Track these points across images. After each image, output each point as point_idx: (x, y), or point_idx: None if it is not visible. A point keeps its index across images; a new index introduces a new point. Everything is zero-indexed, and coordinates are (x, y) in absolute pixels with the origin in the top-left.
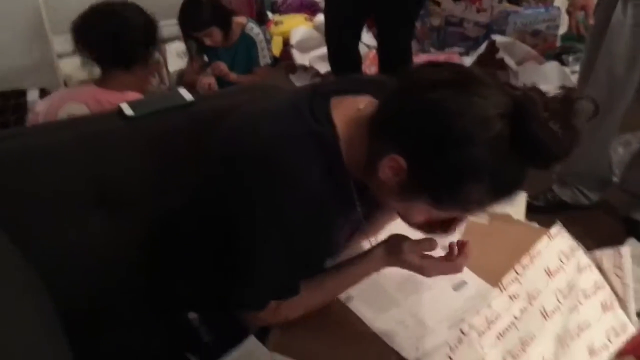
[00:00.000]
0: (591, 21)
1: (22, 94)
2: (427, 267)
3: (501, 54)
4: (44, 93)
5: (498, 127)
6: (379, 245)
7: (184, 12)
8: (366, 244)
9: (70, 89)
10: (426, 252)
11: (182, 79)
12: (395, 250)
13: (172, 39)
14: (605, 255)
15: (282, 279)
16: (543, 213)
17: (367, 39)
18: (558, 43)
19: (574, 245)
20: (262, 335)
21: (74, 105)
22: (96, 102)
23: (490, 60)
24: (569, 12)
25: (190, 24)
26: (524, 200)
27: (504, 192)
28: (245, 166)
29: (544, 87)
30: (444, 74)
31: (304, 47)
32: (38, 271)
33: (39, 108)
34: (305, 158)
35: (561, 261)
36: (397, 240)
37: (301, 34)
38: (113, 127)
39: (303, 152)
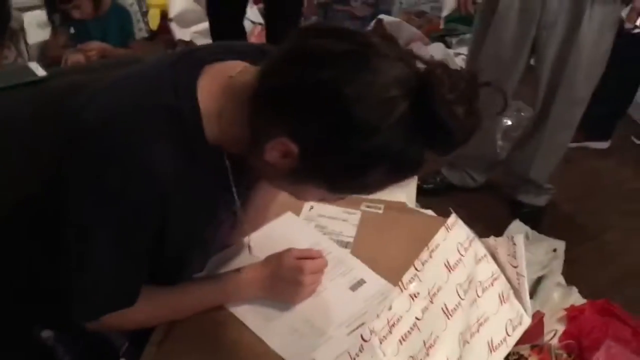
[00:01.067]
0: None
1: None
2: (306, 265)
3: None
4: None
5: (401, 109)
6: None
7: None
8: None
9: None
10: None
11: (45, 53)
12: (272, 257)
13: (32, 7)
14: (500, 243)
15: (116, 286)
16: (432, 196)
17: (253, 15)
18: (442, 25)
19: (471, 235)
20: (135, 353)
21: None
22: None
23: None
24: None
25: None
26: (414, 184)
27: (404, 173)
28: (76, 148)
29: None
30: (340, 45)
31: (184, 21)
32: None
33: None
34: (149, 136)
35: (460, 253)
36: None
37: (180, 6)
38: None
39: (147, 129)
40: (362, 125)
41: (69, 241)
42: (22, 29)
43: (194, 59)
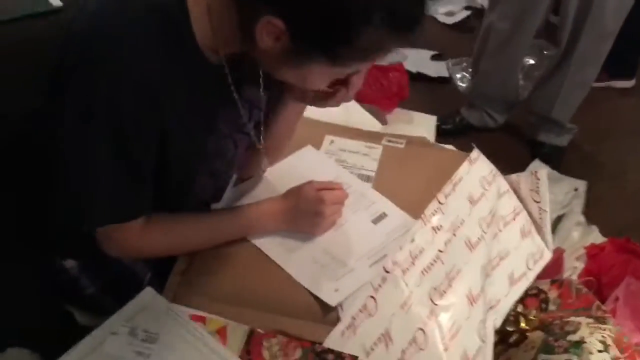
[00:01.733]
0: None
1: None
2: (326, 196)
3: None
4: None
5: None
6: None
7: None
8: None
9: None
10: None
11: None
12: (292, 189)
13: None
14: (523, 179)
15: (119, 195)
16: (451, 136)
17: None
18: None
19: (494, 170)
20: (158, 283)
21: None
22: None
23: None
24: None
25: None
26: (433, 123)
27: (401, 28)
28: (67, 59)
29: (450, 7)
30: None
31: None
32: None
33: None
34: (135, 40)
35: (483, 187)
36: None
37: None
38: None
39: (133, 33)
40: None
41: (67, 154)
42: None
43: None
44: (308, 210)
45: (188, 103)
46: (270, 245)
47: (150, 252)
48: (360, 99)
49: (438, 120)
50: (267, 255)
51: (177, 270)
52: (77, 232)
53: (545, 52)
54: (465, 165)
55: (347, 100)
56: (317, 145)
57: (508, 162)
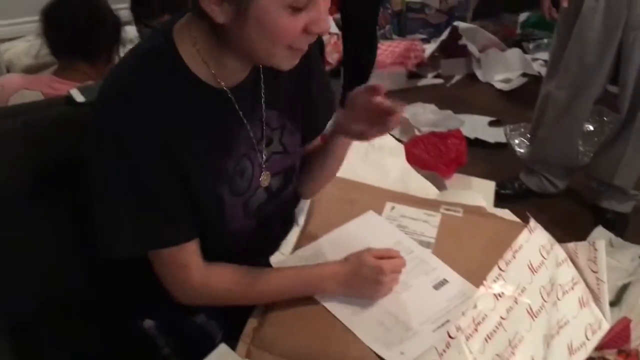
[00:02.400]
0: (565, 4)
1: None
2: (385, 265)
3: (464, 41)
4: None
5: None
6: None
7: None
8: None
9: (24, 76)
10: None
11: None
12: (352, 256)
13: (126, 23)
14: (580, 248)
15: (140, 222)
16: (510, 201)
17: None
18: (518, 30)
19: (552, 239)
20: (231, 342)
21: (27, 92)
22: (52, 90)
23: (453, 46)
24: None
25: (142, 12)
26: (492, 188)
27: None
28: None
29: (507, 74)
30: None
31: None
32: None
33: None
34: (133, 77)
35: (542, 256)
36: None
37: None
38: (60, 113)
39: (130, 72)
40: None
41: (92, 188)
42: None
43: (168, 22)
44: (367, 278)
45: (199, 130)
46: (338, 307)
47: (211, 297)
48: (419, 166)
49: (497, 185)
50: (335, 316)
51: (250, 329)
52: (154, 289)
53: (605, 119)
54: (524, 233)
55: (325, 29)
56: (379, 211)
57: (570, 227)
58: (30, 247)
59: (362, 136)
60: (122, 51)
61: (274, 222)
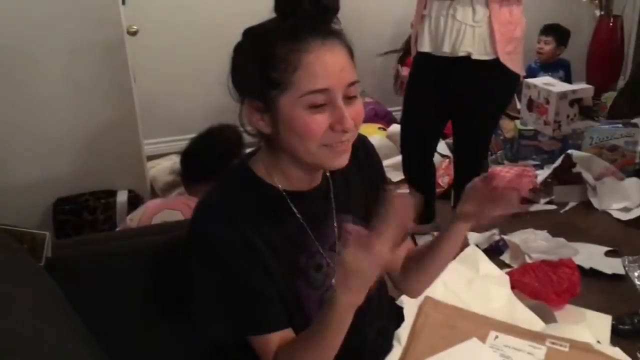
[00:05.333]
0: None
1: (112, 194)
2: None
3: (578, 169)
4: (132, 194)
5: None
6: None
7: None
8: None
9: (165, 200)
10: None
11: None
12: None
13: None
14: None
15: (233, 311)
16: (629, 338)
17: (441, 147)
18: (637, 159)
19: None
20: None
21: (169, 212)
22: (190, 209)
23: (567, 174)
24: None
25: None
26: (609, 323)
27: (293, 39)
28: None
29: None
30: None
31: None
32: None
33: (135, 216)
34: (218, 192)
35: None
36: None
37: (375, 142)
38: None
39: (217, 191)
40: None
41: (194, 285)
42: None
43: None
44: None
45: (276, 231)
46: None
47: None
48: (528, 294)
49: (614, 320)
50: None
51: None
52: None
53: None
54: None
55: (348, 127)
56: (482, 339)
57: None
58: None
59: (485, 215)
60: None
61: (362, 326)
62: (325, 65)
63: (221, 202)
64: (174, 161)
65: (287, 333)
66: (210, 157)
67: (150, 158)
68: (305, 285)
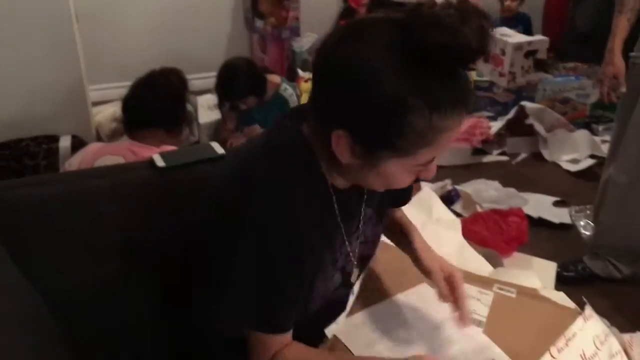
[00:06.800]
0: (623, 89)
1: (54, 139)
2: None
3: (531, 120)
4: (75, 140)
5: (394, 56)
6: None
7: (221, 82)
8: None
9: (106, 144)
10: None
11: (216, 136)
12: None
13: (203, 92)
14: (636, 340)
15: (261, 305)
16: (573, 284)
17: None
18: (587, 112)
19: (607, 330)
20: None
21: (110, 157)
22: (133, 154)
23: (520, 125)
24: (600, 81)
25: (228, 95)
26: (554, 270)
27: (445, 107)
28: (229, 199)
29: (574, 155)
30: (334, 37)
31: None
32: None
33: (73, 161)
34: (282, 181)
35: (596, 347)
36: None
37: None
38: (143, 176)
39: (278, 166)
40: (366, 83)
41: (231, 265)
42: (195, 110)
43: (291, 122)
44: None
45: (318, 223)
46: None
47: None
48: (478, 242)
49: (559, 267)
50: None
51: None
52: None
53: None
54: (579, 321)
55: (427, 179)
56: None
57: (633, 316)
58: (103, 295)
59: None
60: (199, 118)
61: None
62: (450, 140)
63: (285, 193)
64: (117, 107)
65: (288, 336)
66: (153, 103)
67: (97, 104)
68: (322, 281)
